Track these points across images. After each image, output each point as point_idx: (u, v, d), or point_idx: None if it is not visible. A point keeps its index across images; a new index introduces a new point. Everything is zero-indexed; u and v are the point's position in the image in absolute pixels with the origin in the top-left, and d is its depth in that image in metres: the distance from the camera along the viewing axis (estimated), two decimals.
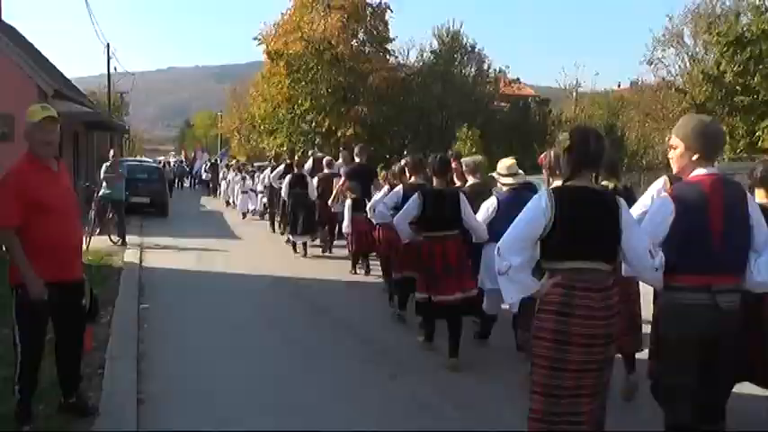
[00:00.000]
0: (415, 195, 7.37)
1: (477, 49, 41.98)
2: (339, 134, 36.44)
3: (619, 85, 51.27)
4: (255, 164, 30.48)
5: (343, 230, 12.92)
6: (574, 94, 46.11)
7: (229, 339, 8.13)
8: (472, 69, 42.17)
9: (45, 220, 4.94)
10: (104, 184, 16.30)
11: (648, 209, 4.61)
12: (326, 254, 15.14)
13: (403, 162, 9.38)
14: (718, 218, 4.16)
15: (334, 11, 37.11)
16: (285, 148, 32.83)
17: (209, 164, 43.82)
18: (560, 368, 4.02)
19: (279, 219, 18.44)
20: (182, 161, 54.52)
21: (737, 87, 22.24)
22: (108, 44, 46.45)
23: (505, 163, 7.68)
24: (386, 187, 9.93)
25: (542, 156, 6.34)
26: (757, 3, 23.53)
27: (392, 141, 39.16)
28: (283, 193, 15.60)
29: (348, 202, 12.31)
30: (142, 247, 15.83)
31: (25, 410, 5.11)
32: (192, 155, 56.19)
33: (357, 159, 13.43)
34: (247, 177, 25.83)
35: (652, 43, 34.32)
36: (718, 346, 4.17)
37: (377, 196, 9.86)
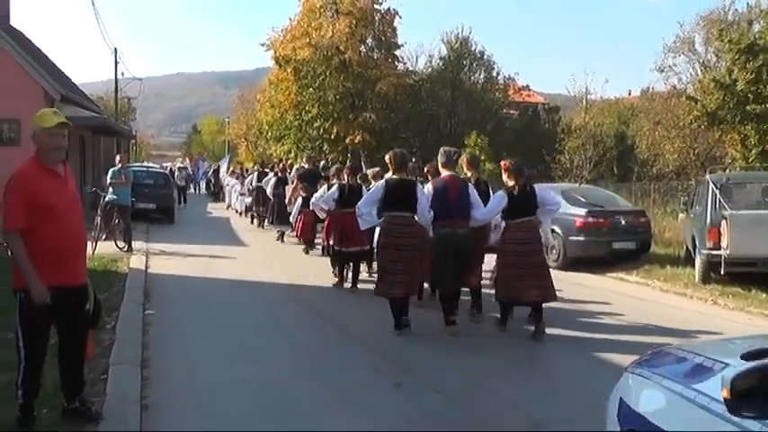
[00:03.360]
0: (336, 186, 12.50)
1: (486, 56, 42.02)
2: (347, 141, 36.47)
3: (629, 93, 51.07)
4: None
5: (291, 219, 17.58)
6: (583, 101, 46.01)
7: (234, 346, 8.15)
8: (481, 76, 42.19)
9: (50, 223, 4.97)
10: (111, 189, 16.36)
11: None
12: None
13: (332, 170, 14.58)
14: (454, 194, 8.91)
15: (343, 17, 37.20)
16: (292, 155, 32.92)
17: (211, 170, 44.39)
18: (386, 259, 8.98)
19: (267, 215, 21.89)
20: (186, 167, 54.68)
21: (749, 95, 22.10)
22: (115, 49, 46.73)
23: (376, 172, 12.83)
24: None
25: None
26: None
27: (401, 148, 39.22)
28: (269, 192, 20.34)
29: (299, 199, 16.56)
30: (148, 253, 15.90)
31: (28, 415, 5.13)
32: (193, 162, 56.49)
33: (306, 165, 17.99)
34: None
35: (663, 51, 34.23)
36: (459, 251, 8.78)
37: (318, 193, 13.67)
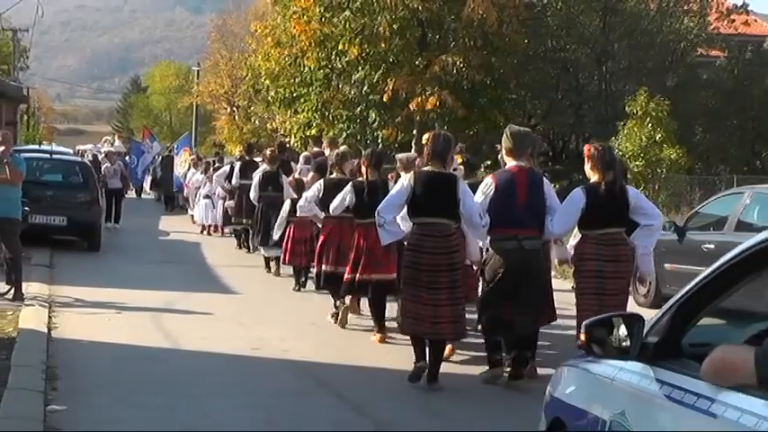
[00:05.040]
0: (348, 186, 14.07)
1: None
2: (413, 106, 36.05)
3: None
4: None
5: (274, 236, 19.17)
6: None
7: None
8: None
9: None
10: None
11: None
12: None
13: (333, 157, 16.41)
14: (523, 192, 11.09)
15: None
16: (313, 130, 33.00)
17: (160, 158, 44.53)
18: (414, 285, 11.08)
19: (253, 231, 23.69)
20: (120, 152, 54.22)
21: None
22: None
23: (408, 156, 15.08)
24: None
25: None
26: None
27: (507, 119, 38.72)
28: (252, 195, 21.87)
29: (287, 204, 18.51)
30: (52, 303, 16.06)
31: None
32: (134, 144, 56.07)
33: (327, 151, 19.50)
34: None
35: None
36: (526, 272, 10.84)
37: (310, 191, 15.65)
